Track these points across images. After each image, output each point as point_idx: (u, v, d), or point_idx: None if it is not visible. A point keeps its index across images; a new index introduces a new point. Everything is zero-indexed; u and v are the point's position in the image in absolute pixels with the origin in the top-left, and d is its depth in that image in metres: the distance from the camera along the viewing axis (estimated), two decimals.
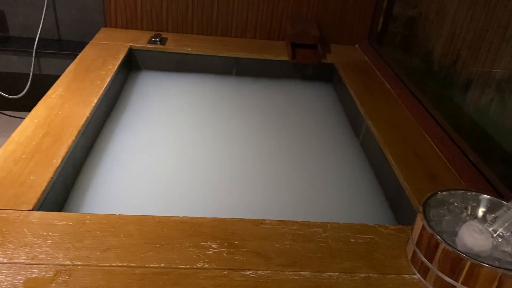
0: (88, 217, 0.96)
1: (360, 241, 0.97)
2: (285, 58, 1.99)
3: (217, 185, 1.31)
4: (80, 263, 0.84)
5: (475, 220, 0.89)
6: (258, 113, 1.74)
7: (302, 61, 1.96)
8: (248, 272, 0.86)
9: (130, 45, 1.93)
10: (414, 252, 0.89)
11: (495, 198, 0.94)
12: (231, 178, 1.35)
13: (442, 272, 0.83)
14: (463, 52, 1.92)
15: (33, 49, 2.03)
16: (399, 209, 1.24)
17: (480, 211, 0.94)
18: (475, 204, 0.94)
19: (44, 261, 0.84)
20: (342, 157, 1.52)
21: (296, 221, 1.01)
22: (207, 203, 1.22)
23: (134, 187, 1.25)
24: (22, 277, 0.80)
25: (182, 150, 1.45)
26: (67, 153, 1.17)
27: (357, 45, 2.19)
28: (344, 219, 1.05)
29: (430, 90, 2.12)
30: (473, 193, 0.95)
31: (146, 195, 1.22)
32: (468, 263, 0.79)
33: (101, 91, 1.49)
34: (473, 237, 0.83)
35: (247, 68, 2.02)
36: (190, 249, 0.90)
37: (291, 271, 0.87)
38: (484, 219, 0.93)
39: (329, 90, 2.01)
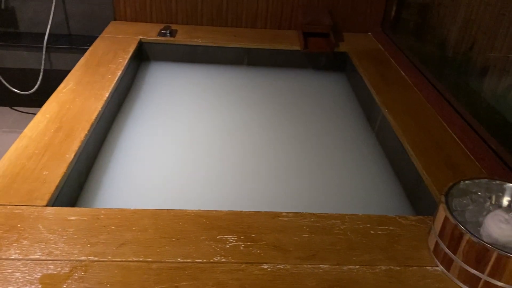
0: (102, 212, 0.95)
1: (379, 232, 0.94)
2: (297, 47, 1.95)
3: (231, 177, 1.29)
4: (95, 258, 0.83)
5: (500, 210, 0.86)
6: (272, 104, 1.72)
7: (314, 51, 1.92)
8: (265, 266, 0.84)
9: (140, 38, 1.91)
10: (437, 244, 0.86)
11: None
12: (245, 169, 1.33)
13: (467, 264, 0.80)
14: (479, 37, 1.86)
15: (43, 44, 2.03)
16: (418, 199, 1.21)
17: (505, 200, 0.91)
18: (500, 194, 0.91)
19: (59, 257, 0.83)
20: (357, 148, 1.49)
21: (313, 213, 0.98)
22: (222, 196, 1.20)
23: (148, 180, 1.24)
24: (38, 274, 0.79)
25: (195, 142, 1.44)
26: (79, 147, 1.16)
27: (370, 33, 2.15)
28: (361, 211, 1.03)
29: (446, 77, 2.07)
30: (498, 181, 0.92)
31: (160, 189, 1.20)
32: (495, 254, 0.76)
33: (112, 85, 1.48)
34: (499, 227, 0.80)
35: (258, 59, 1.99)
36: (207, 243, 0.88)
37: (310, 264, 0.85)
38: (509, 208, 0.89)
39: (342, 80, 1.97)
